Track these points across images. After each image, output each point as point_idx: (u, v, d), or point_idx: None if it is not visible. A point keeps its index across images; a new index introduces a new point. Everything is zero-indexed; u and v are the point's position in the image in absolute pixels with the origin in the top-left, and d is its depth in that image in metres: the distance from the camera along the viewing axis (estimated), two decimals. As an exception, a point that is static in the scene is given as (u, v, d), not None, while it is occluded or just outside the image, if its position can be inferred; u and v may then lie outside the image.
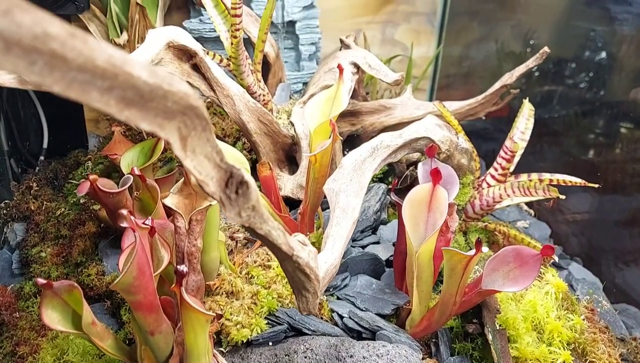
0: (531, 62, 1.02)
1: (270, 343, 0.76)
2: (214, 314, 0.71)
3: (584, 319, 0.79)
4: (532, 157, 1.27)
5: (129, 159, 0.96)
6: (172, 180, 0.98)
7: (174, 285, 0.60)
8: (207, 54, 0.97)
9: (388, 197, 1.04)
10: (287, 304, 0.81)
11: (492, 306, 0.79)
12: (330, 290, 0.86)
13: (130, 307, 0.64)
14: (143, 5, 1.15)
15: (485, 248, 0.71)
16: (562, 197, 0.80)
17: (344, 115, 1.14)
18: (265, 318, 0.78)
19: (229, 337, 0.75)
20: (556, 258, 1.00)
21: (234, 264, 0.85)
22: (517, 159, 0.93)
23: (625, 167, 1.22)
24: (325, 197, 0.80)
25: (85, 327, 0.61)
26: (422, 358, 0.78)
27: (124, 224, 0.56)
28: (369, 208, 1.01)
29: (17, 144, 1.33)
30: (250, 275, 0.83)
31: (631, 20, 1.26)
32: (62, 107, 1.33)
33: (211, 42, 1.25)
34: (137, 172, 0.77)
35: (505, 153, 0.88)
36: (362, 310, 0.82)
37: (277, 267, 0.85)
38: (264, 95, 1.07)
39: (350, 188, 0.77)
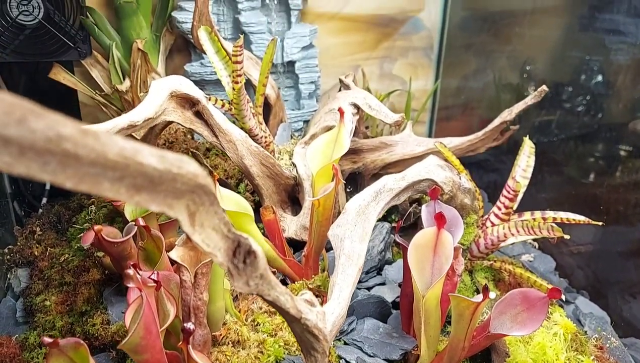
0: (529, 100, 1.03)
1: (278, 394, 0.75)
2: (221, 367, 0.71)
3: (593, 359, 0.79)
4: (533, 188, 1.27)
5: (132, 206, 0.97)
6: (175, 225, 0.99)
7: (181, 342, 0.60)
8: (210, 99, 0.98)
9: (392, 236, 1.04)
10: (294, 351, 0.80)
11: (501, 349, 0.79)
12: (337, 335, 0.86)
13: (137, 365, 0.63)
14: (145, 50, 1.17)
15: (492, 294, 0.71)
16: (567, 236, 0.80)
17: (346, 154, 1.15)
18: (273, 367, 0.77)
19: (237, 389, 0.74)
20: (563, 298, 0.99)
21: (239, 312, 0.85)
22: (520, 196, 0.93)
23: (627, 197, 1.22)
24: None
25: (93, 386, 0.60)
26: (432, 404, 0.77)
27: (130, 284, 0.56)
28: (374, 248, 1.01)
29: (19, 186, 1.33)
30: (256, 323, 0.83)
31: (626, 50, 1.27)
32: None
33: (212, 84, 1.26)
34: (141, 222, 0.78)
35: (508, 192, 0.88)
36: (370, 355, 0.81)
37: (283, 313, 0.85)
38: (265, 137, 1.08)
39: (355, 233, 0.77)
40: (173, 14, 1.21)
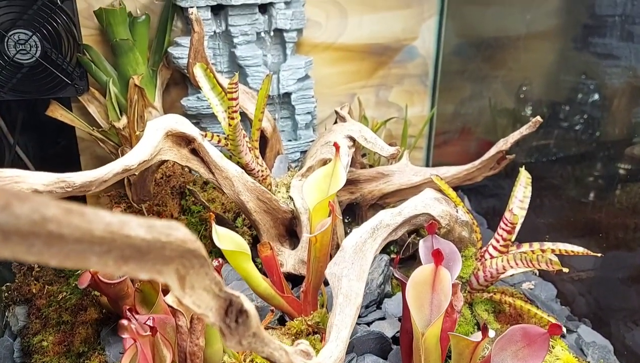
0: (524, 130, 1.03)
1: None
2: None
3: (597, 395, 0.78)
4: (532, 212, 1.27)
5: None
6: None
7: (177, 391, 0.59)
8: (205, 136, 0.98)
9: (391, 268, 1.04)
10: (294, 392, 0.79)
11: (502, 387, 0.78)
12: (337, 372, 0.85)
13: (133, 414, 0.63)
14: (141, 86, 1.18)
15: (492, 333, 0.70)
16: (565, 270, 0.80)
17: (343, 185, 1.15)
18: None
19: None
20: (564, 330, 0.98)
21: (237, 352, 0.84)
22: (518, 227, 0.93)
23: (626, 222, 1.22)
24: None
25: None
26: None
27: (125, 335, 0.56)
28: (373, 281, 1.00)
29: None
30: (254, 363, 0.82)
31: (620, 73, 1.28)
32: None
33: (209, 117, 1.27)
34: (138, 264, 0.77)
35: (506, 224, 0.88)
36: (370, 394, 0.80)
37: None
38: (262, 171, 1.08)
39: (352, 272, 0.77)
40: (169, 49, 1.22)
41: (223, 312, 0.41)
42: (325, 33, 1.43)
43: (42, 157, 1.34)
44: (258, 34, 1.25)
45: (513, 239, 0.92)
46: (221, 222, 1.09)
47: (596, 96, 1.34)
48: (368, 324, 0.95)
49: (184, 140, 0.92)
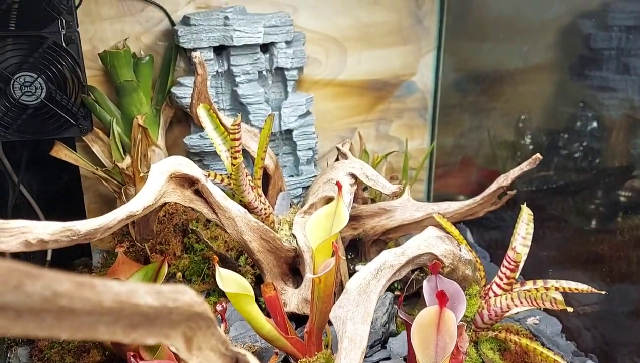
0: (525, 166, 1.04)
1: None
2: None
3: None
4: (534, 243, 1.27)
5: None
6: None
7: None
8: (208, 176, 0.99)
9: (395, 306, 1.03)
10: None
11: None
12: (342, 415, 0.84)
13: None
14: (145, 125, 1.19)
15: (498, 376, 0.69)
16: (570, 309, 0.80)
17: (345, 221, 1.16)
18: None
19: None
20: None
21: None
22: (521, 264, 0.93)
23: (630, 254, 1.22)
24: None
25: None
26: None
27: (130, 387, 0.55)
28: (377, 320, 1.00)
29: (19, 256, 1.33)
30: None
31: (618, 106, 1.30)
32: (64, 215, 1.35)
33: (211, 155, 1.28)
34: (141, 309, 0.77)
35: (509, 263, 0.88)
36: None
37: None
38: (265, 209, 1.08)
39: (357, 315, 0.76)
40: (172, 89, 1.24)
41: (229, 370, 0.41)
42: (325, 70, 1.45)
43: (45, 195, 1.34)
44: (260, 72, 1.27)
45: (517, 276, 0.92)
46: (224, 260, 1.09)
47: (595, 127, 1.35)
48: (373, 365, 0.94)
49: (187, 181, 0.93)
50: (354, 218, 1.20)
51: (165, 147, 1.29)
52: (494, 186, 1.10)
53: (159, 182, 0.82)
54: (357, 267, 1.16)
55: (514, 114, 1.52)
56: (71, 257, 1.38)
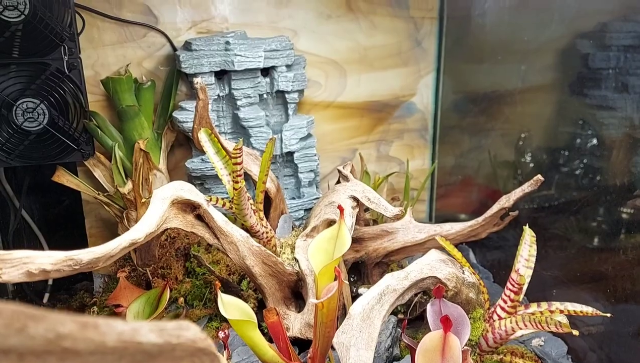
0: (526, 187, 1.04)
1: None
2: None
3: None
4: (537, 264, 1.27)
5: (134, 311, 0.96)
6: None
7: None
8: (211, 200, 0.99)
9: (399, 329, 1.03)
10: None
11: None
12: None
13: None
14: (146, 150, 1.19)
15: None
16: (575, 333, 0.79)
17: (347, 243, 1.15)
18: None
19: None
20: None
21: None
22: (525, 286, 0.92)
23: (633, 273, 1.21)
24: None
25: None
26: None
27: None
28: (380, 344, 0.99)
29: (21, 283, 1.33)
30: None
31: (617, 125, 1.30)
32: (66, 239, 1.35)
33: (213, 178, 1.28)
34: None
35: (513, 286, 0.88)
36: None
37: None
38: (266, 233, 1.08)
39: (361, 340, 0.76)
40: (174, 113, 1.25)
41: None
42: (325, 92, 1.46)
43: (47, 219, 1.34)
44: (260, 95, 1.28)
45: (521, 299, 0.91)
46: (226, 285, 1.09)
47: (595, 145, 1.35)
48: (377, 390, 0.93)
49: (189, 207, 0.93)
50: (356, 240, 1.19)
51: (167, 170, 1.30)
52: (495, 207, 1.10)
53: (161, 208, 0.82)
54: (360, 290, 1.16)
55: (514, 133, 1.53)
56: (72, 282, 1.38)
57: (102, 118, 1.23)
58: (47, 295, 1.34)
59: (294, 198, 1.36)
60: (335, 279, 0.89)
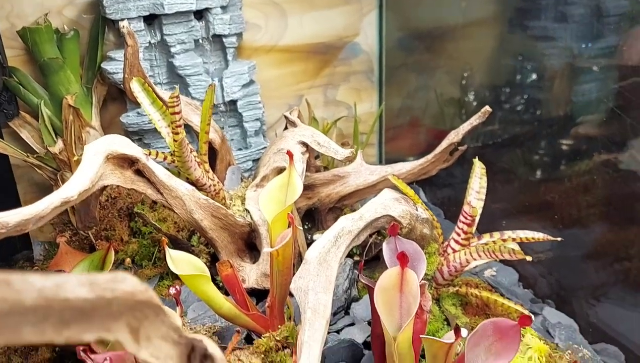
0: (474, 120, 1.04)
1: None
2: None
3: (570, 379, 0.78)
4: (486, 197, 1.29)
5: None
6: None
7: None
8: (150, 154, 0.93)
9: (356, 271, 1.02)
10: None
11: (478, 383, 0.77)
12: (311, 387, 0.82)
13: None
14: (76, 106, 1.11)
15: (464, 332, 0.69)
16: (529, 258, 0.80)
17: (298, 190, 1.13)
18: None
19: None
20: (533, 319, 0.98)
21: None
22: (477, 218, 0.92)
23: (578, 200, 1.25)
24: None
25: None
26: None
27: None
28: (338, 287, 0.98)
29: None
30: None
31: (557, 55, 1.31)
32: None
33: (152, 133, 1.21)
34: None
35: (466, 218, 0.88)
36: (347, 406, 0.78)
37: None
38: (214, 185, 1.04)
39: (318, 284, 0.74)
40: (103, 65, 1.16)
41: (185, 359, 0.37)
42: (266, 35, 1.39)
43: (-26, 189, 1.24)
44: (196, 41, 1.20)
45: (473, 231, 0.92)
46: (175, 242, 1.04)
47: (536, 78, 1.36)
48: (337, 332, 0.92)
49: (126, 162, 0.87)
50: (307, 187, 1.17)
51: (101, 127, 1.21)
52: (445, 143, 1.09)
53: (94, 164, 0.75)
54: (314, 237, 1.14)
55: (458, 71, 1.52)
56: (11, 252, 1.29)
57: (23, 74, 1.12)
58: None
59: (240, 149, 1.31)
60: (289, 226, 0.86)
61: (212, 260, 1.04)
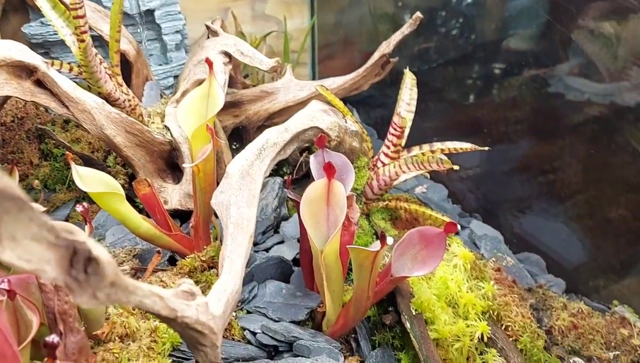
0: (405, 29, 0.99)
1: (181, 383, 0.68)
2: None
3: (493, 284, 0.80)
4: (418, 117, 1.27)
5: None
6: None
7: (46, 358, 0.51)
8: (52, 64, 0.84)
9: (285, 190, 0.99)
10: (193, 333, 0.73)
11: (405, 291, 0.77)
12: (239, 304, 0.80)
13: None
14: (-35, 13, 0.97)
15: (390, 240, 0.68)
16: (456, 168, 0.79)
17: (225, 108, 1.06)
18: (170, 355, 0.70)
19: (132, 388, 0.66)
20: (458, 227, 1.00)
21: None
22: (406, 132, 0.90)
23: (506, 116, 1.25)
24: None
25: None
26: (345, 357, 0.75)
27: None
28: (267, 206, 0.95)
29: None
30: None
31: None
32: None
33: (59, 45, 1.09)
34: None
35: (395, 129, 0.85)
36: (275, 321, 0.77)
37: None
38: (129, 100, 0.96)
39: (241, 198, 0.70)
40: (-7, -35, 1.02)
41: (67, 264, 0.32)
42: (185, -61, 1.26)
43: None
44: (104, -59, 1.07)
45: (403, 144, 0.90)
46: (89, 162, 0.97)
47: (470, 2, 1.32)
48: (267, 250, 0.90)
49: (24, 71, 0.77)
50: (234, 104, 1.10)
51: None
52: (376, 55, 1.05)
53: (-21, 69, 0.66)
54: (242, 155, 1.09)
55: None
56: None
57: None
58: None
59: (161, 64, 1.22)
60: (211, 141, 0.81)
61: (131, 182, 0.98)
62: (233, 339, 0.75)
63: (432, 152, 0.87)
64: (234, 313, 0.78)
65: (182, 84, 1.00)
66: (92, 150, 1.01)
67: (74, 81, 0.86)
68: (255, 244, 0.91)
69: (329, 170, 0.70)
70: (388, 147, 0.88)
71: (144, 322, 0.73)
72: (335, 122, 0.84)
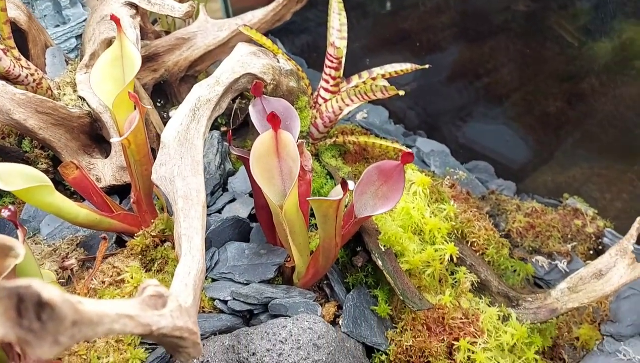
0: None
1: (160, 369, 0.65)
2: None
3: (453, 203, 0.80)
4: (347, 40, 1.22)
5: None
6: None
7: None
8: None
9: (225, 143, 0.93)
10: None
11: (370, 228, 0.76)
12: (202, 273, 0.76)
13: None
14: None
15: (351, 185, 0.65)
16: (402, 93, 0.76)
17: (141, 63, 0.96)
18: (142, 343, 0.66)
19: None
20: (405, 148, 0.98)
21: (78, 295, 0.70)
22: (343, 59, 0.85)
23: (433, 23, 1.22)
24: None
25: None
26: (321, 305, 0.74)
27: None
28: (209, 164, 0.89)
29: None
30: (105, 301, 0.70)
31: None
32: None
33: None
34: None
35: (331, 61, 0.80)
36: (244, 284, 0.74)
37: (132, 277, 0.72)
38: (32, 75, 0.85)
39: (184, 168, 0.64)
40: None
41: (14, 314, 0.27)
42: None
43: None
44: None
45: (341, 75, 0.85)
46: (3, 152, 0.86)
47: None
48: (219, 211, 0.86)
49: None
50: (150, 58, 1.01)
51: None
52: (296, -19, 0.97)
53: None
54: (170, 113, 1.02)
55: None
56: None
57: None
58: None
59: (57, 25, 1.08)
60: (135, 108, 0.73)
61: (55, 164, 0.89)
62: (204, 312, 0.72)
63: (373, 79, 0.83)
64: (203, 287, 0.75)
65: (88, 46, 0.90)
66: (2, 136, 0.90)
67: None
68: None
69: (274, 121, 0.65)
70: (327, 81, 0.83)
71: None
72: (268, 64, 0.78)
